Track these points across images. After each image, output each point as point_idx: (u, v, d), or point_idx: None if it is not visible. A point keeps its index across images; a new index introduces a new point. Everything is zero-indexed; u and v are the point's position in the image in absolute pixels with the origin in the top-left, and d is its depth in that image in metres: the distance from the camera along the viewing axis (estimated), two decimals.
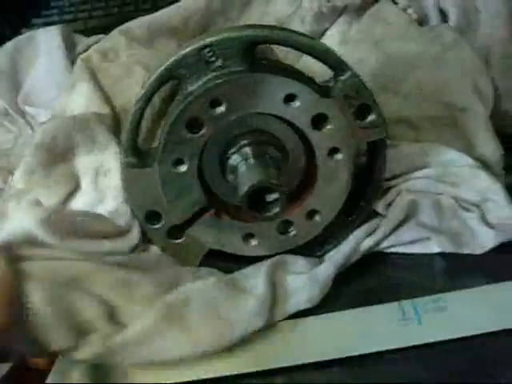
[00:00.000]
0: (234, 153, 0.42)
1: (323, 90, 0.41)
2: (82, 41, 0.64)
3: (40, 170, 0.47)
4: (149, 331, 0.38)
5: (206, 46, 0.39)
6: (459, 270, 0.46)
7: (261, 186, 0.39)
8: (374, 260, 0.47)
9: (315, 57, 0.41)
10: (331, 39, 0.61)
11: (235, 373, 0.39)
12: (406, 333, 0.40)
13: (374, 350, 0.39)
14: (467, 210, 0.48)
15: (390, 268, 0.47)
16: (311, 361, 0.39)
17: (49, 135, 0.47)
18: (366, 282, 0.46)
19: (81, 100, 0.51)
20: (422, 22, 0.60)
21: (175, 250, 0.46)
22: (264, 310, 0.41)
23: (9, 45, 0.63)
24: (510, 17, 0.56)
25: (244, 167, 0.41)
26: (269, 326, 0.41)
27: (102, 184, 0.48)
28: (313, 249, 0.47)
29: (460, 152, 0.48)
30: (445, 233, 0.47)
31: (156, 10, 0.60)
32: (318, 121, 0.41)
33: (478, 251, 0.46)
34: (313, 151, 0.42)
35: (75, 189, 0.48)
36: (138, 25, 0.58)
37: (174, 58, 0.40)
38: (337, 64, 0.41)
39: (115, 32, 0.58)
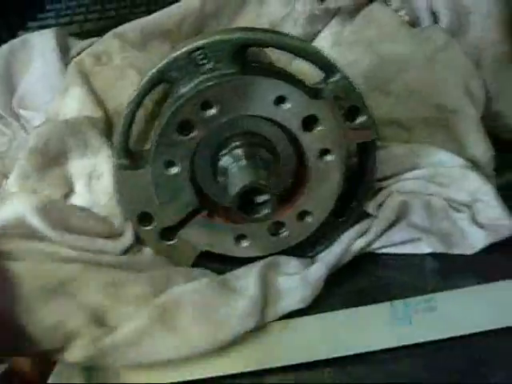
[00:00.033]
0: (225, 154, 0.42)
1: (313, 92, 0.41)
2: (76, 44, 0.64)
3: (34, 174, 0.47)
4: (141, 332, 0.39)
5: (197, 49, 0.40)
6: (450, 271, 0.46)
7: (251, 187, 0.39)
8: (365, 260, 0.47)
9: (306, 59, 0.42)
10: (324, 41, 0.61)
11: (227, 373, 0.39)
12: (397, 333, 0.41)
13: (365, 349, 0.40)
14: (458, 210, 0.48)
15: (381, 268, 0.47)
16: (303, 361, 0.40)
17: (42, 139, 0.48)
18: (357, 282, 0.46)
19: (74, 104, 0.51)
20: (414, 23, 0.60)
21: (168, 252, 0.46)
22: (256, 310, 0.41)
23: (3, 48, 0.63)
24: (501, 19, 0.56)
25: (235, 169, 0.41)
26: (261, 327, 0.41)
27: (95, 187, 0.48)
28: (304, 249, 0.47)
29: (450, 153, 0.48)
30: (435, 233, 0.47)
31: (151, 14, 0.60)
32: (309, 122, 0.41)
33: (469, 251, 0.46)
34: (304, 153, 0.43)
35: (69, 192, 0.49)
36: (132, 28, 0.58)
37: (165, 61, 0.40)
38: (327, 66, 0.41)
39: (108, 35, 0.58)
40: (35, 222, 0.42)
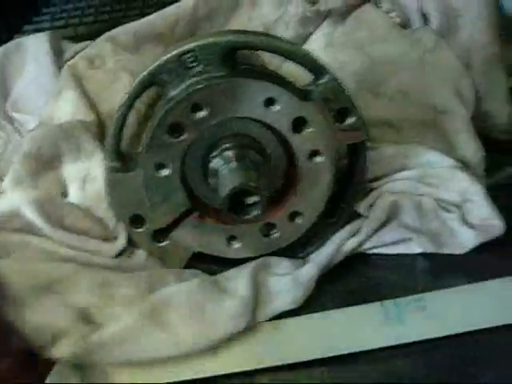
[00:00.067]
0: (216, 156, 0.42)
1: (303, 94, 0.42)
2: (70, 47, 0.64)
3: (28, 179, 0.47)
4: (129, 330, 0.39)
5: (187, 52, 0.40)
6: (441, 270, 0.46)
7: (241, 188, 0.39)
8: (356, 261, 0.47)
9: (295, 61, 0.42)
10: (316, 43, 0.62)
11: (219, 373, 0.39)
12: (388, 332, 0.41)
13: (356, 349, 0.40)
14: (448, 210, 0.48)
15: (372, 268, 0.47)
16: (295, 361, 0.40)
17: (36, 144, 0.48)
18: (348, 282, 0.46)
19: (67, 107, 0.52)
20: (405, 25, 0.60)
21: (160, 254, 0.46)
22: (247, 311, 0.41)
23: None
24: (490, 21, 0.56)
25: (225, 170, 0.41)
26: (252, 327, 0.41)
27: (89, 191, 0.48)
28: (296, 250, 0.47)
29: (440, 153, 0.49)
30: (426, 233, 0.47)
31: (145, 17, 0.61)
32: (298, 124, 0.42)
33: (459, 251, 0.47)
34: (294, 154, 0.43)
35: (63, 196, 0.49)
36: (125, 31, 0.58)
37: (156, 64, 0.40)
38: (316, 68, 0.42)
39: (101, 39, 0.58)
40: (30, 214, 0.42)
